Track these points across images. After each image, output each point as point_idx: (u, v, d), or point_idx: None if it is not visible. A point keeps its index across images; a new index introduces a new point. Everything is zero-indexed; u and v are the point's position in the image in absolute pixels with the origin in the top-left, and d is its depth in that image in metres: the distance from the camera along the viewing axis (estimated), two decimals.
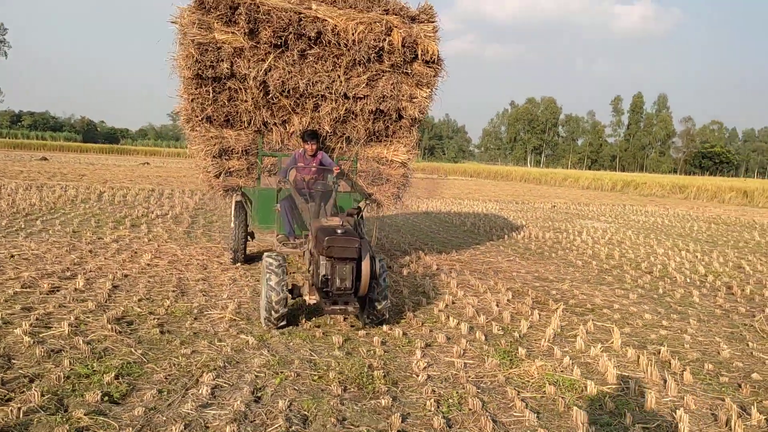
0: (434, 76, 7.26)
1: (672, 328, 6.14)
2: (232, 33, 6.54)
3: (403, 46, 6.86)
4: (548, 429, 3.72)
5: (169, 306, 5.82)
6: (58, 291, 6.13)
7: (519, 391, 4.28)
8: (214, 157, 7.05)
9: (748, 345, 5.69)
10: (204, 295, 6.32)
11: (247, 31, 6.52)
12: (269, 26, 6.53)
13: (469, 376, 4.53)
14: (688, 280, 8.72)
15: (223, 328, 5.34)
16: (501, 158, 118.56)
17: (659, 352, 5.22)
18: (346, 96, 7.06)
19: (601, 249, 11.30)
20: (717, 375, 4.82)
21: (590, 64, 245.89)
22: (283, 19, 6.50)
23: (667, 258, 10.69)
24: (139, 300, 5.99)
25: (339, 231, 5.16)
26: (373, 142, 7.70)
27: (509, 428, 3.74)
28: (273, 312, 5.22)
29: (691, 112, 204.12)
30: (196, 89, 6.76)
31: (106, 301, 5.87)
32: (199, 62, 6.50)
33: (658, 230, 15.58)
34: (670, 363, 4.99)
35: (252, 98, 6.91)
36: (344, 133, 7.55)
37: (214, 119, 6.99)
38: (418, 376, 4.46)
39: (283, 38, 6.62)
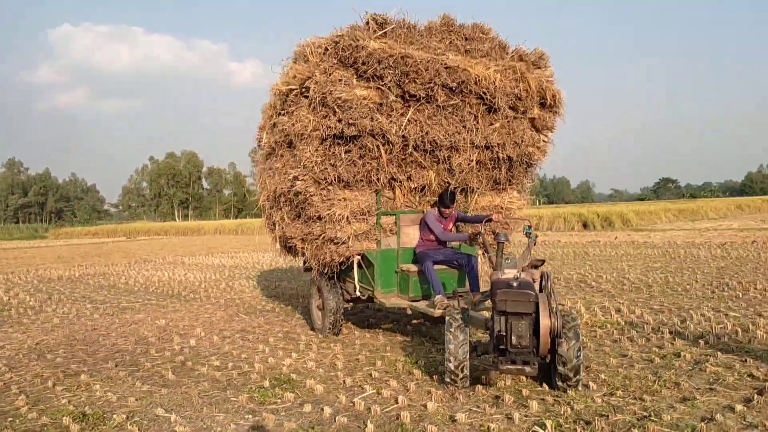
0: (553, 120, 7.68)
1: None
2: (375, 88, 6.47)
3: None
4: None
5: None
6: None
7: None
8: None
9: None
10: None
11: (393, 85, 6.48)
12: (417, 79, 6.52)
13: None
14: None
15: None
16: (146, 215, 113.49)
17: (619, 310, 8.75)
18: (476, 146, 7.15)
19: None
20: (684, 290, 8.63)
21: (220, 116, 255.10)
22: (430, 71, 6.50)
23: None
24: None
25: (514, 283, 5.05)
26: (487, 190, 7.86)
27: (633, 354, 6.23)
28: (453, 376, 5.16)
29: None
30: (330, 149, 6.60)
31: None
32: (342, 121, 6.36)
33: None
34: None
35: (386, 154, 6.79)
36: (467, 184, 7.59)
37: (342, 181, 6.75)
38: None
39: (428, 90, 6.62)
